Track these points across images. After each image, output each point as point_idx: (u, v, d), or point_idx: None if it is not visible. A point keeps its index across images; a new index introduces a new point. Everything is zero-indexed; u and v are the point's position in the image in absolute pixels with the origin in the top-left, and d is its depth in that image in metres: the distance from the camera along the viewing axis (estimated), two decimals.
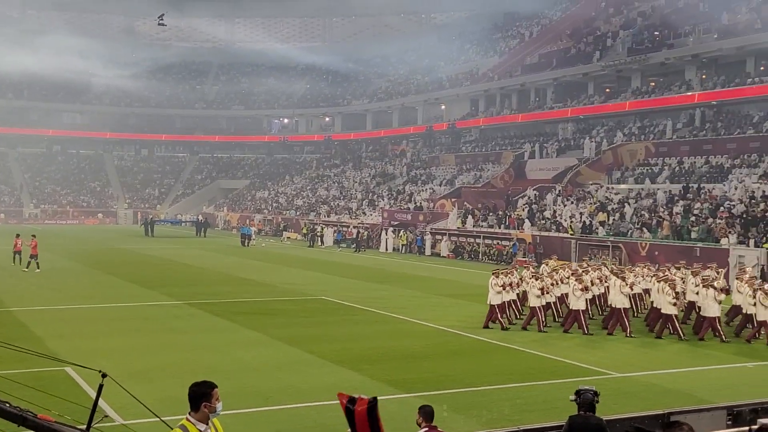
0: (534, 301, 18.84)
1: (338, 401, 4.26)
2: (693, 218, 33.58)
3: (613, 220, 37.34)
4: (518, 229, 41.80)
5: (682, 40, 48.64)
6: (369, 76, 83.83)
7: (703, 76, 47.51)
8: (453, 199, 50.86)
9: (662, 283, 18.43)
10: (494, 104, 64.17)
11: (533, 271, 21.15)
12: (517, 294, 20.00)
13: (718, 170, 39.25)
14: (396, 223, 50.95)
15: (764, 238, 29.57)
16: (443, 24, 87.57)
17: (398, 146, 74.80)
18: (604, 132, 50.70)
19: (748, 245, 29.67)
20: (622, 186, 42.45)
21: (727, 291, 18.61)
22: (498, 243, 41.38)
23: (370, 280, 29.83)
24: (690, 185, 37.61)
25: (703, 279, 18.88)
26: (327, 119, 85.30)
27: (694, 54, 46.81)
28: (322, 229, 54.59)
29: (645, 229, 34.83)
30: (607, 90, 55.16)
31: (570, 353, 15.76)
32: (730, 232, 30.78)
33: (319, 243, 52.54)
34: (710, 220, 32.58)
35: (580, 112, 53.52)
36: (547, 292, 19.04)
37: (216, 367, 13.44)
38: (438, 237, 45.66)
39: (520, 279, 20.36)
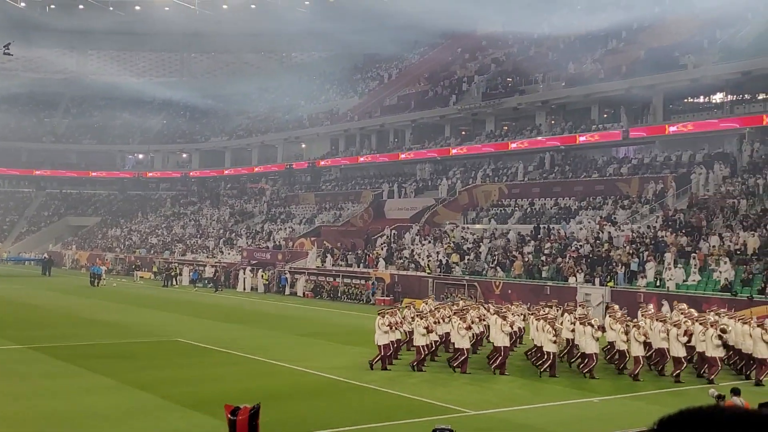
0: (419, 340, 18.74)
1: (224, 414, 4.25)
2: (543, 258, 34.94)
3: (469, 259, 38.43)
4: (377, 268, 42.23)
5: (532, 86, 51.27)
6: (228, 113, 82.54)
7: (552, 122, 50.11)
8: (312, 238, 50.90)
9: (542, 321, 18.74)
10: (354, 144, 65.00)
11: (415, 310, 21.20)
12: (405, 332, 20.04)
13: (566, 212, 41.23)
14: (254, 262, 50.42)
15: (608, 277, 31.35)
16: (303, 63, 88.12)
17: (257, 184, 74.11)
18: (460, 173, 52.34)
19: (593, 284, 31.28)
20: (478, 226, 43.84)
21: (602, 328, 19.24)
22: (357, 282, 41.62)
23: (227, 321, 29.29)
24: (540, 226, 39.44)
25: (579, 317, 19.37)
26: (184, 156, 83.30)
27: (544, 100, 49.28)
28: (177, 268, 52.93)
29: (499, 268, 36.00)
30: (463, 132, 57.03)
31: (422, 391, 15.91)
32: (577, 271, 32.34)
33: (175, 282, 50.71)
34: (559, 259, 34.18)
35: (437, 154, 55.10)
36: (432, 331, 18.98)
37: (61, 415, 12.78)
38: (297, 276, 45.41)
39: (403, 318, 20.70)
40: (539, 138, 48.55)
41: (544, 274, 33.87)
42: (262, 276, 46.64)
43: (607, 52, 50.35)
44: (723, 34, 43.82)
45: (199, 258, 56.08)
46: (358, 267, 43.38)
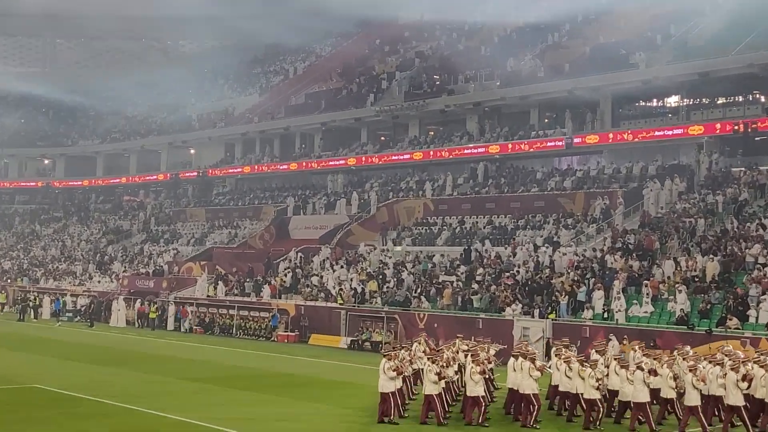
0: (430, 388, 18.31)
1: None
2: (475, 285, 35.43)
3: (388, 287, 38.45)
4: (280, 297, 42.01)
5: (462, 86, 51.87)
6: (101, 112, 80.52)
7: (486, 127, 50.83)
8: (202, 262, 50.44)
9: (576, 364, 18.78)
10: (253, 150, 64.79)
11: (428, 350, 21.17)
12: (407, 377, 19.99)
13: (501, 232, 41.89)
14: (132, 291, 49.62)
15: (549, 308, 31.62)
16: (192, 54, 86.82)
17: (136, 197, 73.01)
18: (379, 185, 52.81)
19: (532, 316, 31.56)
20: (399, 248, 44.14)
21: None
22: (256, 314, 41.32)
23: (99, 362, 28.77)
24: (472, 248, 39.80)
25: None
26: (46, 162, 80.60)
27: (476, 102, 49.86)
28: (37, 297, 50.94)
29: (424, 298, 36.12)
30: (383, 138, 57.59)
31: None
32: (514, 302, 32.61)
33: (33, 316, 48.81)
34: (493, 287, 34.42)
35: (352, 163, 55.38)
36: (444, 378, 18.65)
37: None
38: (183, 307, 44.74)
39: (411, 357, 20.58)
40: (470, 145, 49.29)
41: (476, 305, 34.14)
42: (149, 308, 45.75)
43: (548, 47, 51.39)
44: (678, 30, 44.97)
45: (64, 286, 54.65)
46: (258, 297, 43.15)
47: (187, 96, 75.47)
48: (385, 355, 18.90)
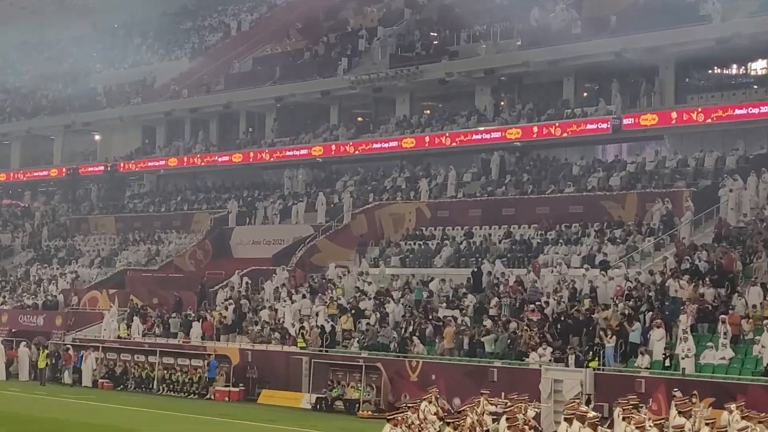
0: None
1: None
2: (488, 322, 34.93)
3: (369, 324, 38.36)
4: (218, 339, 42.09)
5: (470, 46, 51.73)
6: None
7: (502, 103, 50.76)
8: (111, 291, 50.39)
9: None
10: (181, 135, 64.74)
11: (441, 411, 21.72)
12: None
13: (523, 248, 41.38)
14: (15, 330, 49.97)
15: (590, 353, 31.46)
16: (98, 4, 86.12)
17: (19, 201, 72.76)
18: (355, 185, 52.54)
19: (567, 364, 31.40)
20: (382, 271, 43.98)
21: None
22: (187, 363, 41.25)
23: None
24: (483, 270, 39.51)
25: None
26: None
27: (489, 69, 49.61)
28: None
29: (417, 340, 35.99)
30: (360, 119, 57.52)
31: None
32: (541, 344, 32.42)
33: None
34: (513, 324, 34.27)
35: (318, 154, 55.20)
36: None
37: None
38: (84, 353, 44.45)
39: (422, 423, 20.97)
40: (481, 129, 49.14)
41: (488, 348, 34.00)
42: (38, 354, 45.44)
43: None
44: None
45: None
46: (188, 337, 43.10)
47: (91, 61, 75.29)
48: (389, 420, 19.29)
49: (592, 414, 20.50)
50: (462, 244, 43.71)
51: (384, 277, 43.32)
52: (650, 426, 19.30)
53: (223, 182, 60.92)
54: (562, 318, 33.76)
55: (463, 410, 21.95)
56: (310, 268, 46.10)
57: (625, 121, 44.48)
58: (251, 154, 58.20)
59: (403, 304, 39.04)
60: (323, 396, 36.43)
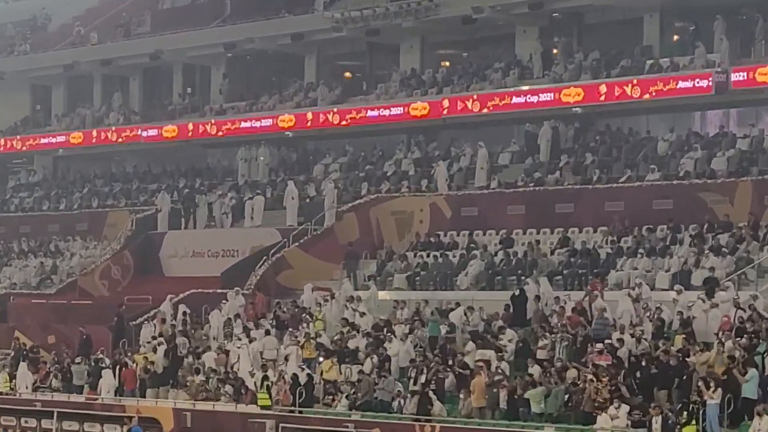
0: None
1: None
2: (535, 369, 34.89)
3: (362, 372, 38.42)
4: (143, 394, 42.27)
5: None
6: None
7: (554, 51, 51.24)
8: None
9: None
10: (89, 100, 65.77)
11: None
12: None
13: (587, 262, 41.83)
14: None
15: (684, 414, 31.38)
16: None
17: None
18: (341, 169, 53.65)
19: (650, 430, 31.29)
20: (382, 294, 44.53)
21: None
22: (95, 429, 41.45)
23: None
24: (527, 294, 39.69)
25: None
26: None
27: (535, 3, 49.91)
28: None
29: (433, 395, 35.82)
30: (348, 75, 58.57)
31: None
32: (612, 401, 32.44)
33: None
34: (571, 373, 34.25)
35: (287, 125, 55.39)
36: None
37: None
38: None
39: None
40: (524, 89, 49.41)
41: (536, 408, 33.99)
42: None
43: None
44: None
45: None
46: (98, 393, 43.05)
47: None
48: None
49: None
50: (497, 256, 43.91)
51: (383, 304, 43.64)
52: None
53: (149, 167, 61.36)
54: (644, 363, 33.57)
55: None
56: (276, 292, 46.70)
57: (734, 77, 44.39)
58: (190, 127, 58.50)
59: (411, 342, 39.06)
60: None
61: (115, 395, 42.58)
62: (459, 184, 48.56)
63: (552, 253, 42.98)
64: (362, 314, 42.19)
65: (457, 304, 40.61)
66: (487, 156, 48.35)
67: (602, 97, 46.90)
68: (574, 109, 48.16)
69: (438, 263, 44.97)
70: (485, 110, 49.53)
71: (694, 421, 30.94)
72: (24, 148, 65.06)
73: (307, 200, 51.22)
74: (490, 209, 46.47)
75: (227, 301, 45.82)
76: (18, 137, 65.13)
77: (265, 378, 39.27)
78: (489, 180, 47.82)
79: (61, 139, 63.25)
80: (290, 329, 42.45)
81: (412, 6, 51.88)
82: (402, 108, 51.76)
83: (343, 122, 53.58)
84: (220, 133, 57.37)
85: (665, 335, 34.87)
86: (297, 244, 48.75)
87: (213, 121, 57.63)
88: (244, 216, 52.39)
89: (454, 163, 49.52)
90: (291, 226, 50.03)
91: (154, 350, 43.77)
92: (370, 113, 52.95)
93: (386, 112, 52.32)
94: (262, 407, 38.59)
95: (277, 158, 56.64)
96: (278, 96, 57.24)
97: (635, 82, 46.16)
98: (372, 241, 48.24)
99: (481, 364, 35.99)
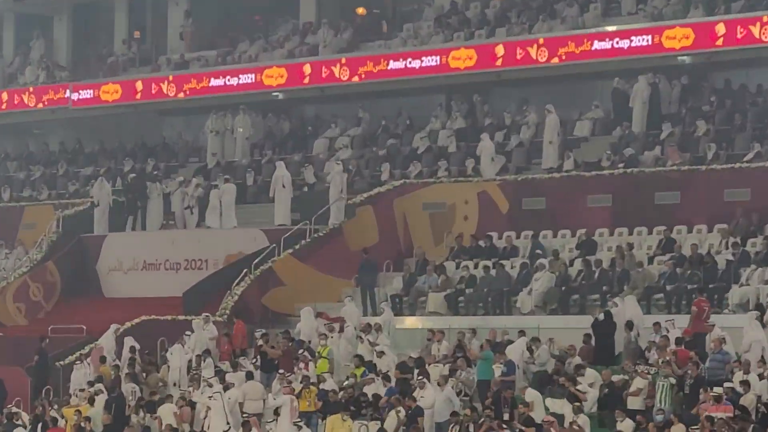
0: None
1: None
2: (626, 425, 35.33)
3: (382, 431, 38.38)
4: None
5: None
6: None
7: None
8: None
9: None
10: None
11: None
12: None
13: (698, 273, 42.10)
14: None
15: None
16: None
17: None
18: (352, 145, 54.38)
19: None
20: (414, 320, 45.26)
21: None
22: None
23: None
24: (615, 318, 39.65)
25: None
26: None
27: None
28: None
29: None
30: (361, 11, 59.00)
31: None
32: None
33: None
34: (677, 427, 33.98)
35: (276, 83, 55.97)
36: None
37: None
38: None
39: None
40: (609, 29, 50.12)
41: None
42: None
43: None
44: None
45: None
46: None
47: None
48: None
49: None
50: (573, 266, 44.56)
51: (413, 335, 44.28)
52: None
53: (80, 144, 62.05)
54: None
55: None
56: (262, 319, 47.29)
57: None
58: (139, 87, 59.22)
59: (453, 389, 39.38)
60: None
61: None
62: (519, 165, 49.05)
63: (650, 261, 43.48)
64: (381, 354, 42.58)
65: (519, 334, 41.08)
66: (559, 125, 48.76)
67: (719, 41, 47.53)
68: (680, 58, 48.68)
69: (490, 277, 45.43)
70: (555, 60, 50.24)
71: None
72: None
73: (305, 189, 51.70)
74: (562, 201, 47.13)
75: (192, 332, 46.17)
76: None
77: None
78: (561, 159, 48.41)
79: None
80: (281, 371, 42.45)
81: None
82: (438, 57, 52.35)
83: (355, 78, 54.06)
84: (182, 95, 57.67)
85: None
86: (291, 251, 49.10)
87: (171, 78, 57.86)
88: (218, 211, 52.62)
89: (512, 135, 49.84)
90: (282, 225, 50.59)
91: (91, 401, 43.60)
92: (392, 65, 53.45)
93: (416, 64, 52.81)
94: None
95: (262, 130, 57.01)
96: (263, 42, 57.40)
97: (765, 19, 46.87)
98: (396, 246, 48.95)
99: (551, 419, 36.51)
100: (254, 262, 49.01)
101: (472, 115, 52.42)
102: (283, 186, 50.96)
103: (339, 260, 48.80)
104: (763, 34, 46.08)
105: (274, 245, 49.31)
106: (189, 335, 46.01)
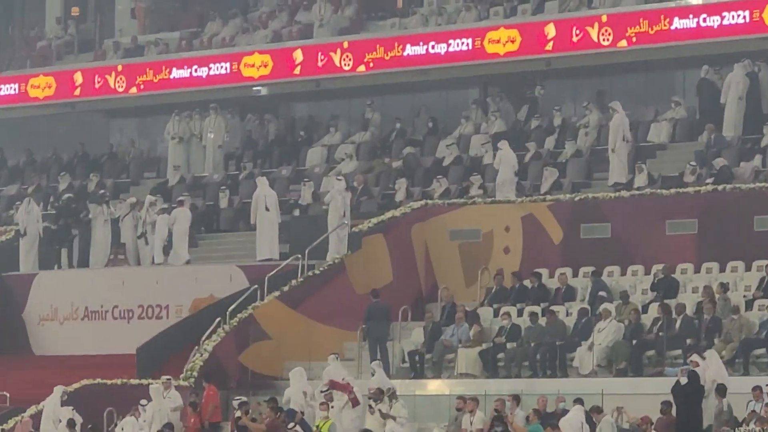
0: None
1: None
2: None
3: None
4: None
5: None
6: None
7: None
8: None
9: None
10: None
11: None
12: None
13: None
14: None
15: None
16: None
17: None
18: (359, 151, 54.55)
19: None
20: (440, 384, 45.24)
21: None
22: None
23: None
24: (704, 383, 39.29)
25: None
26: None
27: None
28: None
29: None
30: None
31: None
32: None
33: None
34: None
35: (260, 74, 56.18)
36: None
37: None
38: None
39: None
40: (695, 3, 50.39)
41: None
42: None
43: None
44: None
45: None
46: None
47: None
48: None
49: None
50: (647, 313, 44.53)
51: (439, 403, 44.18)
52: None
53: (1, 152, 62.51)
54: None
55: None
56: (240, 382, 47.53)
57: None
58: (78, 80, 59.58)
59: None
60: None
61: None
62: (576, 181, 49.22)
63: (748, 306, 43.56)
64: (401, 426, 43.18)
65: (576, 403, 41.37)
66: (628, 128, 48.86)
67: None
68: None
69: (539, 327, 45.63)
70: (623, 43, 50.56)
71: None
72: None
73: (296, 213, 51.86)
74: (633, 227, 47.21)
75: (150, 400, 46.21)
76: None
77: None
78: (632, 173, 48.55)
79: None
80: None
81: None
82: (470, 41, 52.76)
83: (361, 68, 54.37)
84: (134, 91, 57.98)
85: None
86: (277, 294, 49.18)
87: (120, 69, 58.25)
88: (185, 241, 52.98)
89: (566, 141, 50.04)
90: (266, 260, 50.82)
91: None
92: (410, 50, 54.00)
93: (440, 49, 53.26)
94: None
95: (239, 135, 57.15)
96: (240, 21, 57.78)
97: None
98: (416, 287, 49.09)
99: None
100: (230, 309, 48.83)
101: (513, 115, 52.41)
102: (267, 209, 50.91)
103: (340, 306, 48.86)
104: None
105: (256, 286, 49.23)
106: (145, 405, 45.88)
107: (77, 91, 58.60)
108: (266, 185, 51.32)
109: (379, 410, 42.94)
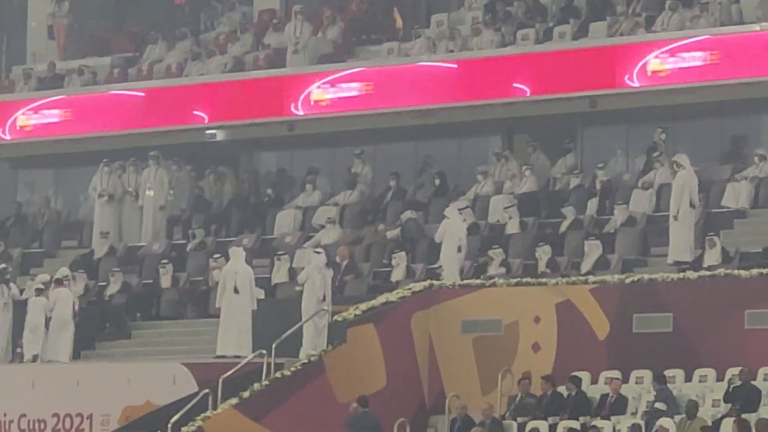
0: None
1: None
2: None
3: None
4: None
5: None
6: None
7: None
8: None
9: None
10: None
11: None
12: None
13: None
14: None
15: None
16: None
17: None
18: (344, 216, 55.01)
19: None
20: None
21: None
22: None
23: None
24: None
25: None
26: None
27: None
28: None
29: None
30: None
31: None
32: None
33: None
34: None
35: (215, 114, 56.12)
36: None
37: None
38: None
39: None
40: None
41: None
42: None
43: None
44: None
45: None
46: None
47: None
48: None
49: None
50: (719, 430, 44.38)
51: None
52: None
53: None
54: None
55: None
56: None
57: None
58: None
59: None
60: None
61: None
62: (628, 258, 49.65)
63: None
64: None
65: None
66: (697, 188, 48.99)
67: None
68: None
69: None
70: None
71: None
72: None
73: (263, 297, 51.80)
74: (701, 318, 47.42)
75: None
76: None
77: None
78: (701, 247, 48.57)
79: None
80: None
81: None
82: (491, 71, 52.72)
83: (350, 106, 54.54)
84: (48, 135, 58.20)
85: None
86: (235, 401, 49.18)
87: (33, 106, 58.57)
88: (39, 335, 53.06)
89: (615, 204, 50.01)
90: (222, 357, 51.02)
91: None
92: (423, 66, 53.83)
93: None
94: None
95: (187, 193, 57.17)
96: (190, 43, 58.24)
97: None
98: (417, 393, 49.16)
99: None
100: (172, 420, 48.86)
101: (547, 171, 52.64)
102: (236, 290, 51.35)
103: (317, 418, 48.81)
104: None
105: (207, 391, 49.42)
106: None
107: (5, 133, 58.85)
108: (241, 259, 51.51)
109: None
